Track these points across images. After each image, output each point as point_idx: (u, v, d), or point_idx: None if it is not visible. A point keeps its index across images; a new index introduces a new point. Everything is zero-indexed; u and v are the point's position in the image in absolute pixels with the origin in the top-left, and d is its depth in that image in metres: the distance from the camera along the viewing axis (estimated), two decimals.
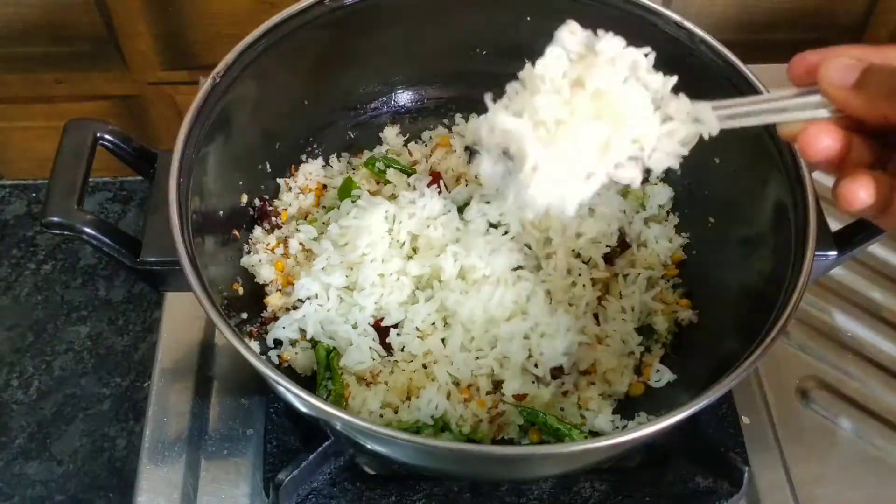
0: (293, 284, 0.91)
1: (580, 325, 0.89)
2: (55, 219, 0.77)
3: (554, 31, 0.62)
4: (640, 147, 0.60)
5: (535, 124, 0.58)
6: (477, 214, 0.93)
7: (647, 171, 0.62)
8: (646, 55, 0.60)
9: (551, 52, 0.59)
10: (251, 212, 0.96)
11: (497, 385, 0.87)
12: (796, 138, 0.58)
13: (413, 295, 0.89)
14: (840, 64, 0.55)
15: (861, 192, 0.55)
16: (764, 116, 0.59)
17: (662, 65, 0.98)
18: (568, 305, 0.90)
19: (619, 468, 0.88)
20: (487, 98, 0.62)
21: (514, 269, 0.91)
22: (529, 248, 0.93)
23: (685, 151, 0.61)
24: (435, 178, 0.99)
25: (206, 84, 0.83)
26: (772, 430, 0.93)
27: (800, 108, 0.57)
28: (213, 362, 0.96)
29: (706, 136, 0.60)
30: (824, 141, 0.56)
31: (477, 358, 0.86)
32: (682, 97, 0.60)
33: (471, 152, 1.05)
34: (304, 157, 1.03)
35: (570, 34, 0.60)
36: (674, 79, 0.60)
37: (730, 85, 0.86)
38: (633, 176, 0.61)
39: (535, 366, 0.86)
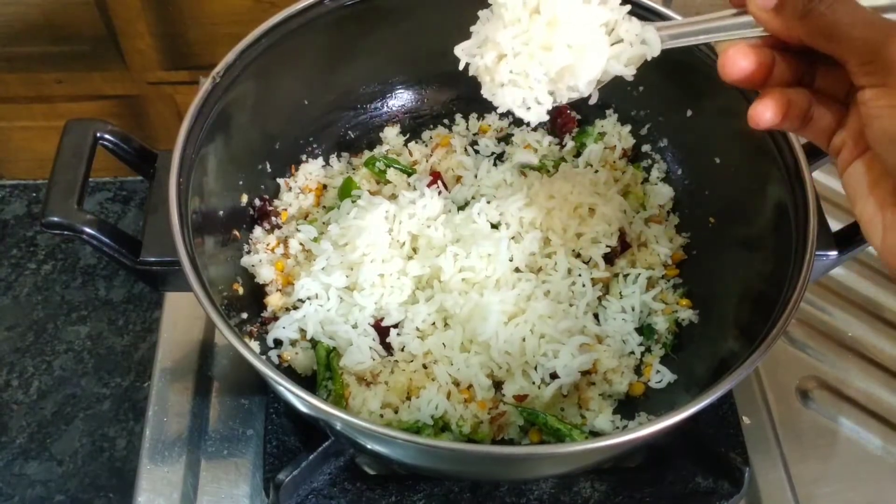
0: (293, 284, 0.91)
1: (580, 325, 0.89)
2: (55, 219, 0.77)
3: None
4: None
5: (497, 56, 0.67)
6: (477, 214, 0.93)
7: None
8: None
9: None
10: (251, 212, 0.96)
11: (497, 385, 0.87)
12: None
13: (413, 295, 0.89)
14: None
15: (767, 113, 0.60)
16: (704, 36, 0.64)
17: (662, 64, 0.98)
18: (568, 306, 0.90)
19: (620, 468, 0.88)
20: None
21: (515, 270, 0.91)
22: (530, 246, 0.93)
23: (632, 71, 0.68)
24: (435, 178, 0.99)
25: (206, 84, 0.83)
26: (772, 430, 0.93)
27: (735, 27, 0.62)
28: (213, 362, 0.96)
29: (649, 57, 0.67)
30: (740, 63, 0.60)
31: (477, 358, 0.86)
32: (633, 20, 0.66)
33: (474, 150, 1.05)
34: (304, 157, 1.03)
35: None
36: (626, 7, 0.67)
37: (730, 84, 0.86)
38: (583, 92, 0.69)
39: (535, 368, 0.85)
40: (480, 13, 0.70)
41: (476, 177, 1.01)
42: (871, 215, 0.58)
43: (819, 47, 0.56)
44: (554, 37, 0.66)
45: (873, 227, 0.58)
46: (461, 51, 0.71)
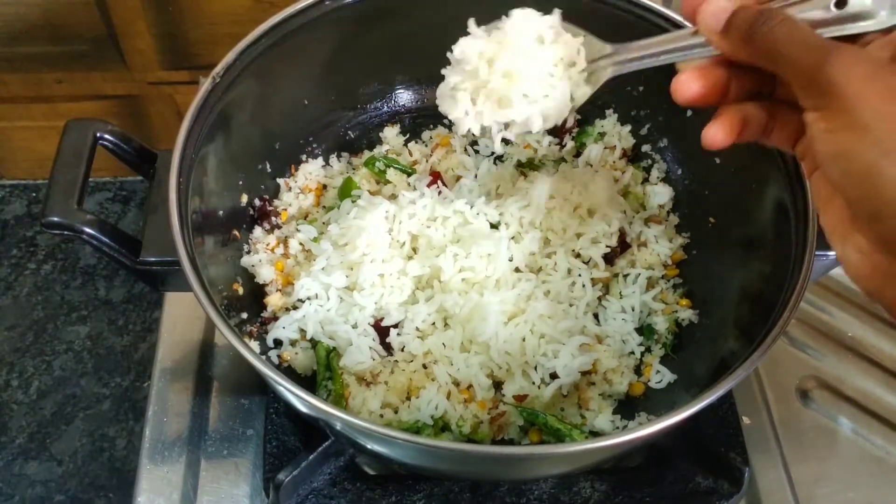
0: (293, 284, 0.91)
1: (580, 325, 0.89)
2: (55, 219, 0.77)
3: None
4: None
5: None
6: (476, 215, 0.93)
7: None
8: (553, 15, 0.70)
9: (463, 40, 0.71)
10: (251, 212, 0.96)
11: (497, 385, 0.87)
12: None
13: (413, 295, 0.89)
14: (713, 8, 0.59)
15: (718, 135, 0.61)
16: (662, 57, 0.65)
17: (663, 65, 0.98)
18: (568, 306, 0.90)
19: (620, 468, 0.88)
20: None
21: (514, 270, 0.91)
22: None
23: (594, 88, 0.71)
24: (435, 178, 0.99)
25: (206, 84, 0.83)
26: (772, 430, 0.93)
27: (689, 48, 0.62)
28: (213, 362, 0.96)
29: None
30: (692, 87, 0.60)
31: (477, 358, 0.86)
32: (582, 50, 0.69)
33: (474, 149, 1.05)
34: (304, 157, 1.03)
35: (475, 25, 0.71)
36: (580, 39, 0.69)
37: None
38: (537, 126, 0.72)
39: (535, 368, 0.85)
40: (444, 71, 0.73)
41: (476, 177, 1.01)
42: (832, 227, 0.58)
43: (766, 68, 0.56)
44: (512, 89, 0.69)
45: (834, 238, 0.57)
46: (438, 96, 0.75)
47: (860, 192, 0.51)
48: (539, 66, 0.69)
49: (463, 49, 0.70)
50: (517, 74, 0.68)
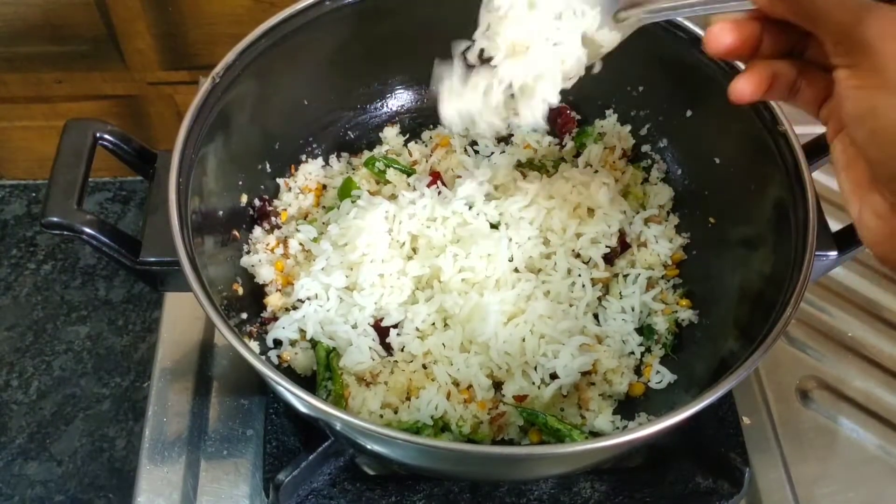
0: (293, 284, 0.91)
1: (580, 325, 0.89)
2: (55, 219, 0.77)
3: None
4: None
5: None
6: (476, 216, 0.93)
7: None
8: None
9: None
10: (251, 212, 0.96)
11: (497, 386, 0.87)
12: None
13: (413, 295, 0.89)
14: None
15: (747, 88, 0.61)
16: (689, 9, 0.65)
17: (663, 65, 0.98)
18: (568, 306, 0.90)
19: (620, 468, 0.88)
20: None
21: (514, 271, 0.91)
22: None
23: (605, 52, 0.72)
24: (435, 178, 0.99)
25: (206, 84, 0.83)
26: (772, 430, 0.93)
27: (721, 0, 0.62)
28: (213, 362, 0.96)
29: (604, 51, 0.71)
30: (725, 38, 0.60)
31: (477, 359, 0.86)
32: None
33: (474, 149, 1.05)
34: (304, 157, 1.03)
35: None
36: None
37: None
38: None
39: (535, 368, 0.85)
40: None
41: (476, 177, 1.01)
42: (849, 191, 0.58)
43: (801, 25, 0.57)
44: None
45: (851, 202, 0.58)
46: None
47: (885, 153, 0.52)
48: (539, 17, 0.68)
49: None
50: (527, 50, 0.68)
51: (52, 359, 1.58)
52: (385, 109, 1.08)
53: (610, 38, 0.70)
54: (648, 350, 0.91)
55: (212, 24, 1.39)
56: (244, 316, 0.88)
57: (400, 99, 1.08)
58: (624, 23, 0.69)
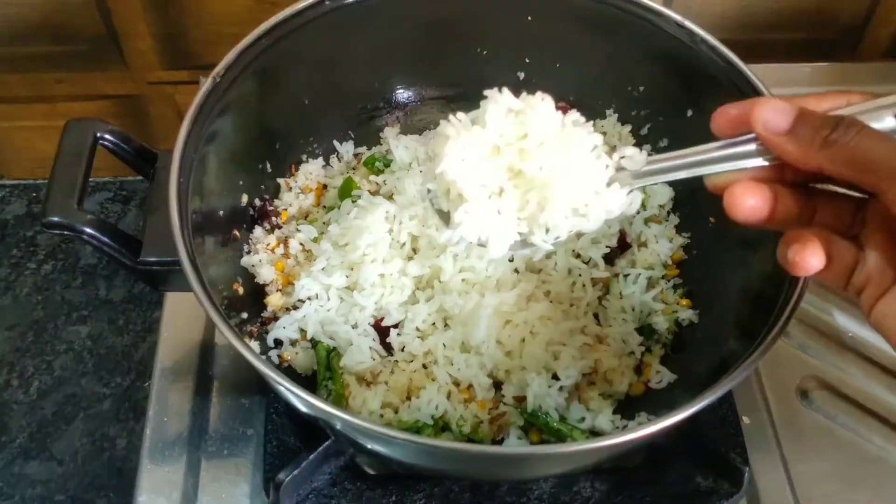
0: (293, 284, 0.91)
1: (580, 325, 0.89)
2: (55, 219, 0.77)
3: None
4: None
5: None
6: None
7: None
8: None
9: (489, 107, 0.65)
10: (251, 212, 0.96)
11: (497, 385, 0.87)
12: (723, 192, 0.58)
13: (413, 295, 0.89)
14: (774, 107, 0.55)
15: (814, 259, 0.55)
16: (694, 169, 0.60)
17: (663, 64, 0.98)
18: (568, 306, 0.90)
19: (620, 468, 0.88)
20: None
21: (514, 271, 0.91)
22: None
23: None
24: None
25: (206, 84, 0.83)
26: (772, 430, 0.93)
27: (729, 158, 0.58)
28: (213, 362, 0.96)
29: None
30: (749, 200, 0.56)
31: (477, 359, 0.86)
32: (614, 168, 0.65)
33: None
34: (304, 157, 1.03)
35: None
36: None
37: (730, 84, 0.86)
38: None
39: (536, 370, 0.85)
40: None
41: None
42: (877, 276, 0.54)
43: (845, 178, 0.53)
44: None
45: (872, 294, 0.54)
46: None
47: None
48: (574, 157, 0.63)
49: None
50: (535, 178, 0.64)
51: (53, 358, 1.58)
52: (385, 109, 1.08)
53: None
54: (649, 350, 0.91)
55: (212, 24, 1.39)
56: (245, 316, 0.88)
57: (399, 98, 1.08)
58: (612, 186, 0.64)
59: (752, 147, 0.57)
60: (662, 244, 0.96)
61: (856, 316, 1.05)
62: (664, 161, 0.63)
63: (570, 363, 0.84)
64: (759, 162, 0.57)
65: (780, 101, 0.55)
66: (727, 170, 0.58)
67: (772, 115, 0.55)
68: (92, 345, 1.60)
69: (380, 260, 0.89)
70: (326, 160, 1.04)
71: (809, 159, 0.54)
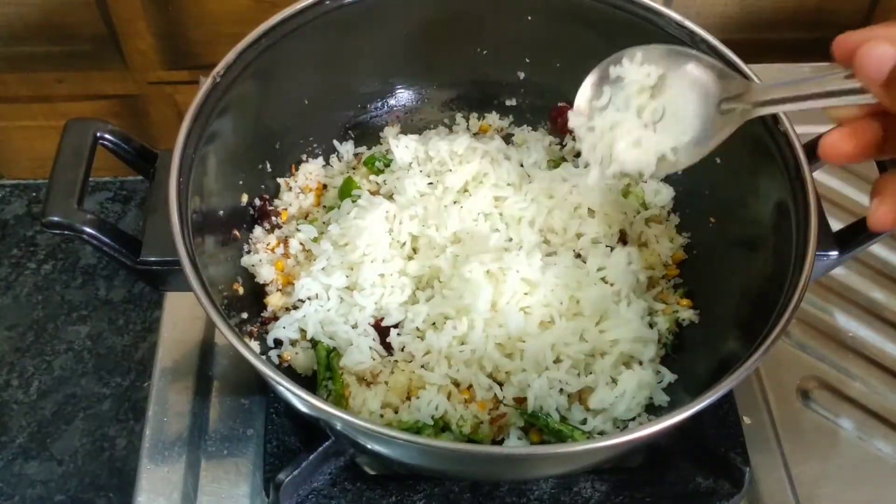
0: (293, 284, 0.91)
1: (581, 326, 0.89)
2: (55, 218, 0.77)
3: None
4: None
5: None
6: (478, 215, 0.93)
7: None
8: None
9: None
10: (251, 211, 0.96)
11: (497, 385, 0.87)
12: (840, 121, 0.59)
13: (413, 295, 0.89)
14: (877, 53, 0.54)
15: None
16: (808, 102, 0.61)
17: None
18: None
19: (620, 468, 0.88)
20: None
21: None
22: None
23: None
24: None
25: (206, 84, 0.83)
26: (773, 430, 0.93)
27: (841, 93, 0.59)
28: (213, 362, 0.96)
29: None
30: (844, 148, 0.58)
31: (478, 359, 0.86)
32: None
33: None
34: (304, 156, 1.03)
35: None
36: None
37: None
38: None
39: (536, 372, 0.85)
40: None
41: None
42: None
43: None
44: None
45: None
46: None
47: None
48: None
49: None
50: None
51: (53, 358, 1.58)
52: (385, 109, 1.08)
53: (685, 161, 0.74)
54: None
55: (212, 24, 1.39)
56: (245, 315, 0.88)
57: (400, 99, 1.08)
58: (727, 115, 0.67)
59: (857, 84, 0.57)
60: (663, 244, 0.96)
61: (856, 316, 1.05)
62: (786, 90, 0.63)
63: (571, 372, 0.84)
64: (862, 100, 0.57)
65: (885, 44, 0.54)
66: (841, 104, 0.59)
67: (872, 63, 0.55)
68: (92, 345, 1.60)
69: (380, 260, 0.89)
70: (326, 160, 1.04)
71: None
